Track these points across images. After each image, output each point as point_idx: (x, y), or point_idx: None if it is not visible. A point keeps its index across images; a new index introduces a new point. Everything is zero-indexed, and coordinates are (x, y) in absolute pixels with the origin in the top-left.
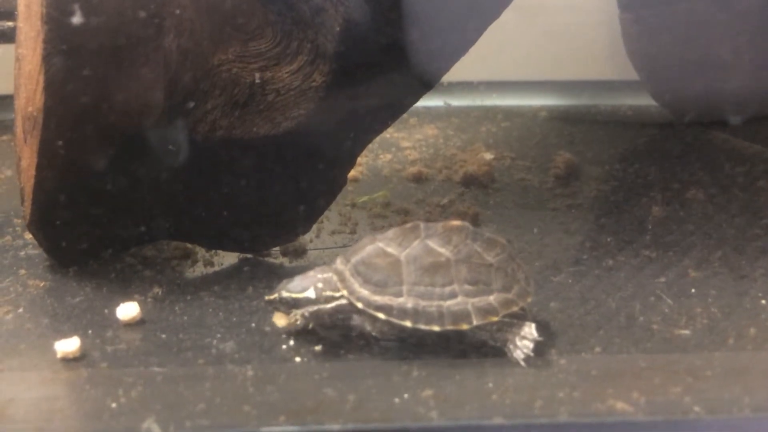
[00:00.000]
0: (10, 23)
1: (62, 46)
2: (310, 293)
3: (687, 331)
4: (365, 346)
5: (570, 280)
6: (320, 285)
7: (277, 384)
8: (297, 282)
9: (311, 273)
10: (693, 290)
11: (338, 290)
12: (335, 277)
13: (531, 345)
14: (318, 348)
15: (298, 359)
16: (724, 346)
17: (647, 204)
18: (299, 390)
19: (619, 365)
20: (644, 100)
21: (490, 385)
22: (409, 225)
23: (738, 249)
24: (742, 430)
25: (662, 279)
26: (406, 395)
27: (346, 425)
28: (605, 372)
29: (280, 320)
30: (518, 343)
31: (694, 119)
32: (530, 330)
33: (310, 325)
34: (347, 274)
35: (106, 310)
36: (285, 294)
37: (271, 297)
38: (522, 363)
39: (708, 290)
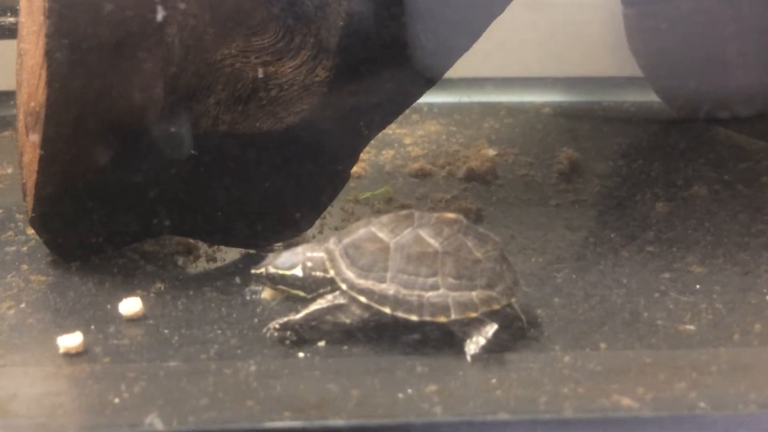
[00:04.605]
0: (12, 18)
1: (64, 40)
2: (298, 271)
3: (692, 327)
4: (368, 341)
5: (574, 276)
6: (309, 264)
7: (280, 379)
8: (285, 258)
9: (300, 249)
10: (697, 286)
11: (326, 271)
12: (325, 256)
13: (483, 342)
14: (321, 344)
15: (301, 354)
16: (729, 341)
17: (651, 200)
18: (302, 385)
19: (624, 361)
20: (647, 97)
21: (494, 380)
22: (404, 213)
23: (742, 245)
24: (748, 426)
25: (666, 275)
26: (410, 390)
27: (350, 421)
28: (610, 368)
29: (267, 294)
30: (474, 338)
31: (698, 115)
32: (489, 330)
33: (289, 334)
34: (336, 254)
35: (108, 306)
36: (272, 270)
37: (258, 271)
38: (468, 358)
39: (712, 286)
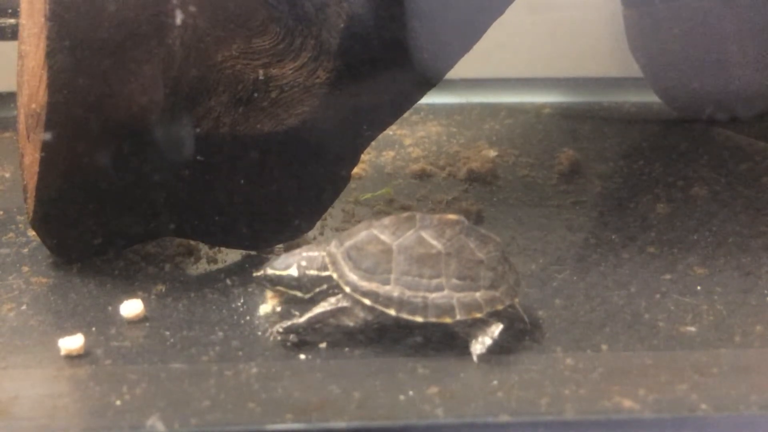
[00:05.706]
0: (12, 20)
1: (66, 42)
2: (293, 271)
3: (693, 328)
4: (369, 342)
5: (574, 277)
6: (303, 263)
7: (281, 381)
8: (282, 259)
9: (297, 251)
10: (698, 287)
11: (323, 269)
12: (327, 259)
13: (489, 342)
14: (322, 345)
15: (302, 356)
16: (730, 343)
17: (651, 201)
18: (304, 387)
19: (625, 362)
20: (647, 97)
21: (496, 382)
22: (405, 215)
23: (742, 246)
24: (749, 428)
25: (667, 276)
26: (411, 392)
27: (352, 422)
28: (611, 369)
29: (264, 309)
30: (479, 338)
31: (698, 116)
32: (495, 330)
33: (291, 337)
34: (339, 257)
35: (109, 307)
36: (269, 271)
37: (258, 273)
38: (474, 358)
39: (713, 287)
